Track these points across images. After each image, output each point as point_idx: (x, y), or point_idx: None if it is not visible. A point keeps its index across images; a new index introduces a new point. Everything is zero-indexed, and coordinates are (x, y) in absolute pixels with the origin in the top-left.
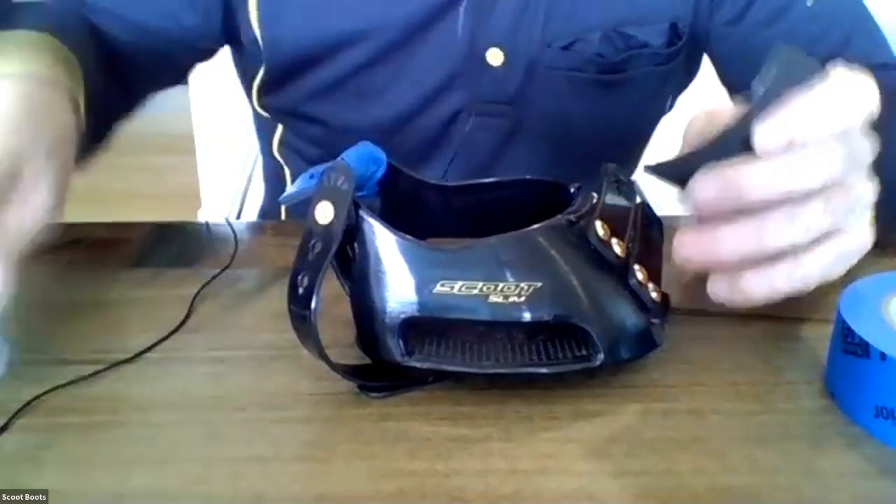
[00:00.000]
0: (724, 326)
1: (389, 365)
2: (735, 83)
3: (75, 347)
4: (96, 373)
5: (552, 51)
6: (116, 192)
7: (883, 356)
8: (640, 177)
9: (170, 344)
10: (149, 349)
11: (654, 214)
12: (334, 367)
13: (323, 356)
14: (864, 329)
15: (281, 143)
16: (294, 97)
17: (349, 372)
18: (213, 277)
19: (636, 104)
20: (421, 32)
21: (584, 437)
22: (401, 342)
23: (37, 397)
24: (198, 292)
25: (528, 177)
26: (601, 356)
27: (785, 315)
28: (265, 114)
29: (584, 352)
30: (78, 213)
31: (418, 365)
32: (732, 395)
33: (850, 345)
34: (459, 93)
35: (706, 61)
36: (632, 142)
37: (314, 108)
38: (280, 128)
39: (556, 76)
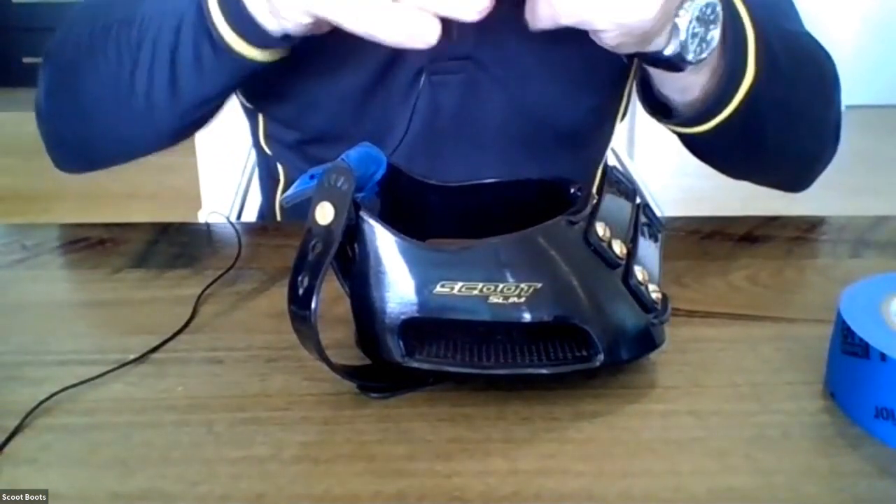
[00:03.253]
0: (724, 327)
1: (389, 366)
2: None
3: (77, 349)
4: (99, 375)
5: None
6: (116, 193)
7: (883, 357)
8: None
9: (170, 345)
10: (154, 350)
11: (653, 215)
12: (334, 367)
13: (323, 357)
14: (864, 330)
15: (265, 133)
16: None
17: (349, 372)
18: (217, 278)
19: (592, 51)
20: None
21: (584, 438)
22: (401, 343)
23: (43, 401)
24: (201, 293)
25: (528, 178)
26: (601, 357)
27: (785, 316)
28: (246, 103)
29: (583, 352)
30: (78, 214)
31: (418, 366)
32: (732, 395)
33: (850, 346)
34: (419, 53)
35: None
36: (593, 100)
37: (283, 83)
38: (260, 118)
39: (509, 25)
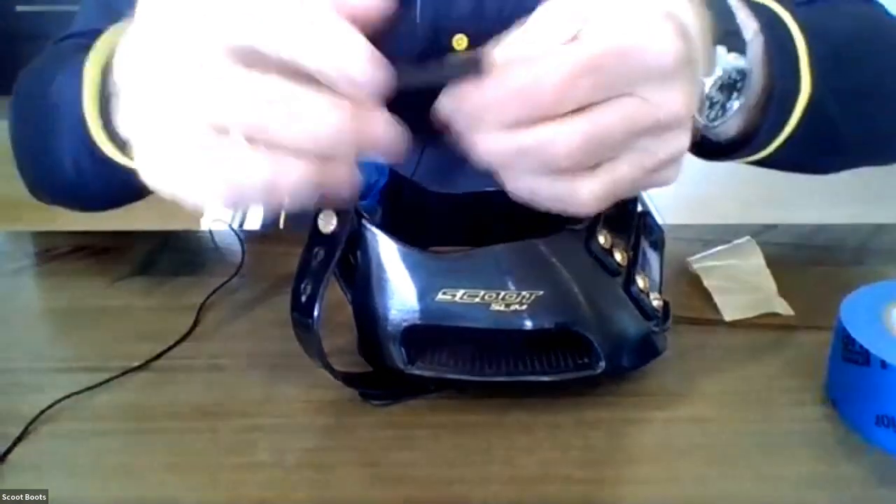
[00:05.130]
0: (726, 335)
1: (391, 373)
2: None
3: (80, 356)
4: (102, 382)
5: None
6: None
7: (884, 364)
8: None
9: (173, 352)
10: (157, 357)
11: (655, 222)
12: (336, 374)
13: (325, 364)
14: (864, 337)
15: None
16: None
17: (351, 379)
18: (220, 286)
19: None
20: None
21: (586, 445)
22: (403, 350)
23: (47, 409)
24: (205, 301)
25: None
26: (602, 364)
27: (786, 324)
28: None
29: (585, 360)
30: (80, 221)
31: (420, 373)
32: (733, 403)
33: (850, 353)
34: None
35: None
36: None
37: None
38: None
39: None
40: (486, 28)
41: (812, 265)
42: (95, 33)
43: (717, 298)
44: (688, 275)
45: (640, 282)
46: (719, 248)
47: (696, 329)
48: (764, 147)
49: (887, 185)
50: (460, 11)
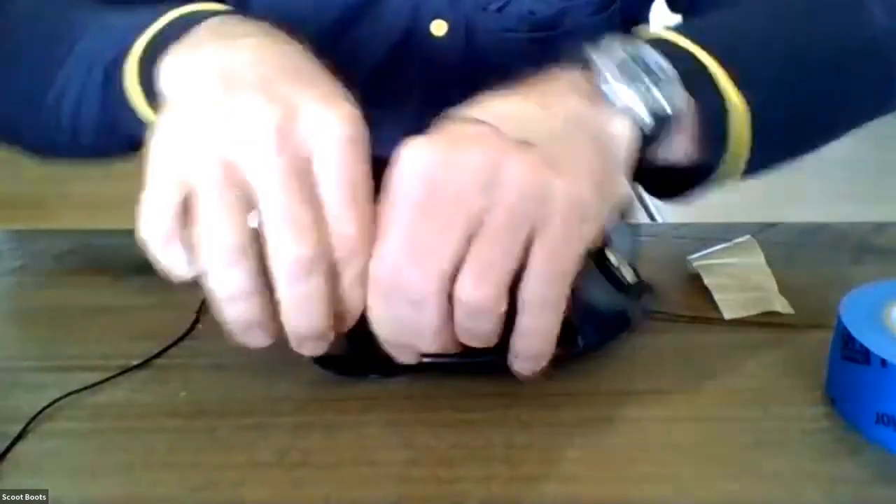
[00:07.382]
0: (725, 333)
1: (365, 352)
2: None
3: (80, 355)
4: (102, 381)
5: (487, 14)
6: (116, 198)
7: (883, 363)
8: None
9: (173, 351)
10: (157, 356)
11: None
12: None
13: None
14: (864, 336)
15: None
16: None
17: (324, 361)
18: None
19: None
20: (363, 10)
21: (585, 444)
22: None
23: (46, 407)
24: (205, 299)
25: None
26: (580, 339)
27: (786, 322)
28: None
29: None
30: (78, 220)
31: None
32: (733, 401)
33: (850, 352)
34: (409, 67)
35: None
36: None
37: None
38: None
39: (492, 39)
40: (464, 12)
41: (812, 264)
42: None
43: (716, 297)
44: (688, 273)
45: (612, 257)
46: (719, 246)
47: (696, 327)
48: (722, 166)
49: (887, 184)
50: None
